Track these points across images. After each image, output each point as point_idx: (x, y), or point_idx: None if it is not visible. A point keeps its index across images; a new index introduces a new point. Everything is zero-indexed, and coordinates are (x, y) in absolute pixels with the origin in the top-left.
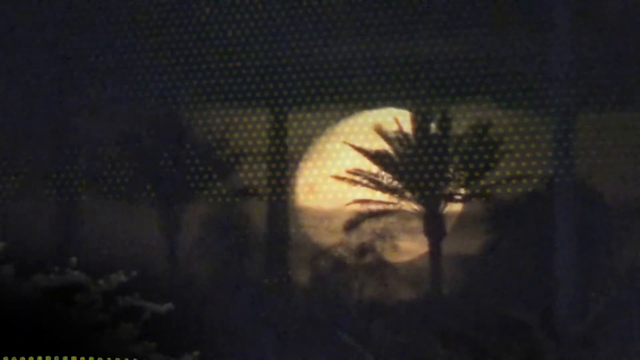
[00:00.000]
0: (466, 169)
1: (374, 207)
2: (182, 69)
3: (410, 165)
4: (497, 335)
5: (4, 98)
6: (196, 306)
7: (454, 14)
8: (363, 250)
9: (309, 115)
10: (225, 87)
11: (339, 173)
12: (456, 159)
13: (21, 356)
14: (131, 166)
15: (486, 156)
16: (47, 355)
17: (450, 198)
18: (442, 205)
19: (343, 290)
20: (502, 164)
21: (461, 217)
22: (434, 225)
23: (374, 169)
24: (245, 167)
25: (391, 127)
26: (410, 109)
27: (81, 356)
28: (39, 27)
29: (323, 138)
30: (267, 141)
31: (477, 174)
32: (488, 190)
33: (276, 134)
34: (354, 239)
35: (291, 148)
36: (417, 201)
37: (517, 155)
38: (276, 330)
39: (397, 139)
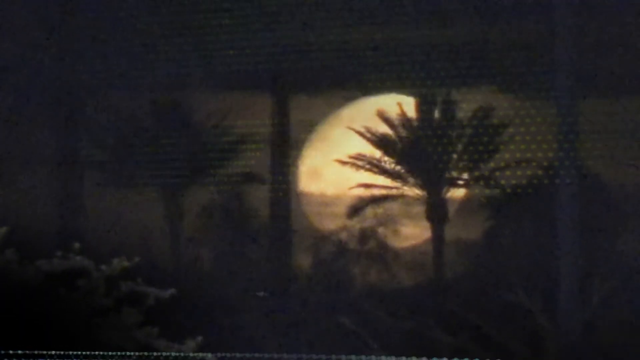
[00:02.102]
0: (469, 154)
1: (376, 192)
2: (185, 54)
3: (413, 151)
4: (499, 321)
5: (8, 83)
6: (199, 292)
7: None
8: (366, 235)
9: (311, 100)
10: (227, 72)
11: (342, 158)
12: (459, 144)
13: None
14: (133, 152)
15: (489, 141)
16: (51, 344)
17: (453, 183)
18: (444, 190)
19: (346, 275)
20: (504, 150)
21: (464, 202)
22: (436, 210)
23: (377, 154)
24: (248, 152)
25: (394, 113)
26: (413, 95)
27: (84, 341)
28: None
29: (326, 123)
30: (270, 127)
31: (479, 159)
32: (491, 176)
33: (279, 119)
34: (357, 224)
35: (294, 133)
36: (420, 186)
37: (520, 140)
38: (279, 316)
39: (400, 124)
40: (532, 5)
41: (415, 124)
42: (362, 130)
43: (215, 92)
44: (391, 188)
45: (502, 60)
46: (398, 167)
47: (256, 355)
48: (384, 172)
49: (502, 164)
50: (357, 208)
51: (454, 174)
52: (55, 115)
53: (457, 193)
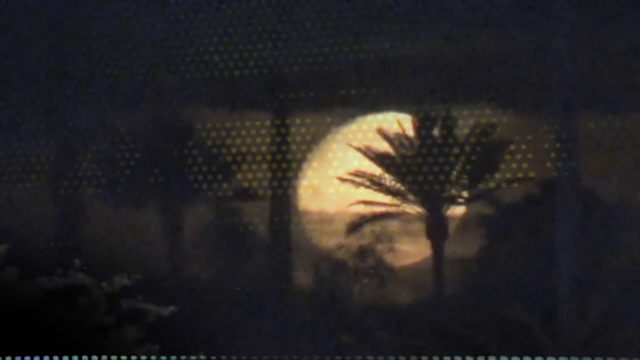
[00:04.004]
0: (468, 171)
1: (376, 209)
2: (186, 70)
3: (412, 168)
4: (499, 337)
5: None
6: (199, 309)
7: (455, 15)
8: (365, 252)
9: (311, 117)
10: (227, 89)
11: (341, 175)
12: (458, 161)
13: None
14: (134, 168)
15: (487, 158)
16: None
17: (453, 200)
18: (444, 207)
19: (345, 293)
20: (504, 166)
21: (463, 219)
22: (436, 227)
23: (377, 171)
24: (248, 170)
25: (394, 130)
26: (412, 112)
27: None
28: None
29: (325, 140)
30: (269, 144)
31: (479, 176)
32: (490, 193)
33: (278, 136)
34: (356, 242)
35: (293, 151)
36: (420, 203)
37: (518, 157)
38: (278, 333)
39: (400, 142)
40: (530, 19)
41: (414, 141)
42: (362, 147)
43: (215, 109)
44: (391, 205)
45: (500, 75)
46: (398, 185)
47: None
48: (383, 189)
49: (501, 181)
50: (356, 225)
51: (454, 191)
52: (55, 131)
53: (457, 210)
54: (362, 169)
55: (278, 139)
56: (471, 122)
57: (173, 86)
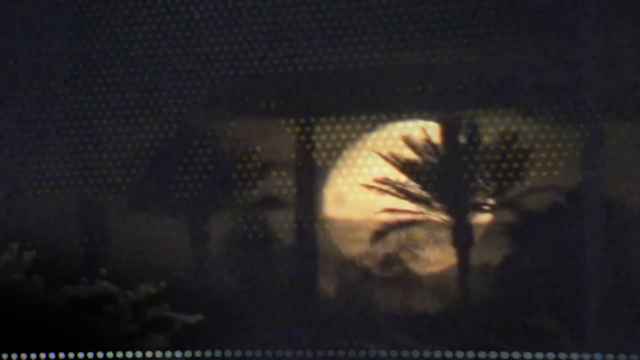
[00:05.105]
0: (494, 179)
1: (402, 216)
2: (208, 76)
3: (438, 175)
4: (525, 346)
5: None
6: (225, 317)
7: (481, 23)
8: (390, 260)
9: (336, 125)
10: (252, 97)
11: (367, 183)
12: (484, 169)
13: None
14: (159, 176)
15: (514, 166)
16: None
17: (479, 208)
18: (470, 215)
19: (371, 301)
20: (530, 174)
21: (489, 227)
22: (462, 235)
23: (402, 179)
24: (273, 178)
25: (419, 137)
26: (438, 120)
27: None
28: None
29: (351, 148)
30: (295, 152)
31: (504, 184)
32: (517, 200)
33: (304, 144)
34: (382, 249)
35: (318, 158)
36: (445, 211)
37: (547, 165)
38: (304, 342)
39: (425, 149)
40: (556, 26)
41: (440, 148)
42: (387, 155)
43: (239, 117)
44: (416, 213)
45: (527, 82)
46: (423, 192)
47: None
48: (409, 196)
49: (529, 189)
50: (382, 233)
51: (480, 198)
52: (80, 137)
53: (483, 218)
54: (388, 176)
55: (304, 146)
56: (497, 129)
57: (199, 92)
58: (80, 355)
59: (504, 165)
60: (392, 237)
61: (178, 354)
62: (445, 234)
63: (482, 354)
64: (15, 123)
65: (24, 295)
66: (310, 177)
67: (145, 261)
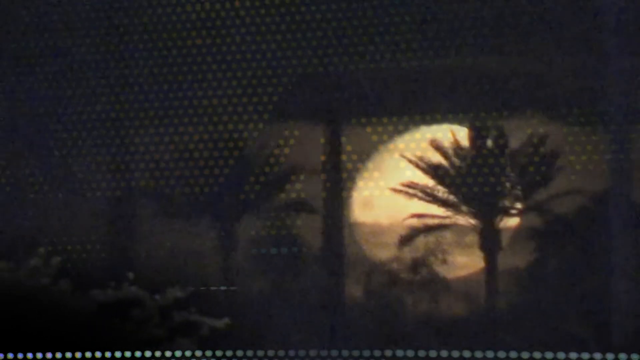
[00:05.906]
0: (522, 183)
1: (429, 221)
2: (235, 77)
3: (466, 179)
4: (553, 352)
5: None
6: (252, 321)
7: (508, 28)
8: (418, 264)
9: (364, 129)
10: (280, 101)
11: (395, 187)
12: (512, 172)
13: None
14: (186, 181)
15: (541, 170)
16: None
17: (507, 212)
18: (498, 219)
19: (398, 305)
20: (558, 178)
21: (517, 231)
22: (489, 239)
23: (430, 183)
24: (301, 182)
25: (447, 141)
26: (466, 123)
27: None
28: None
29: (378, 152)
30: (322, 156)
31: (532, 188)
32: (545, 205)
33: (331, 148)
34: (410, 254)
35: (346, 162)
36: (473, 215)
37: (575, 168)
38: (332, 346)
39: (453, 153)
40: (584, 31)
41: (468, 152)
42: (415, 159)
43: (267, 121)
44: (444, 217)
45: (553, 87)
46: (451, 196)
47: None
48: (436, 201)
49: (556, 193)
50: (409, 237)
51: (507, 203)
52: (109, 144)
53: (511, 222)
54: (415, 180)
55: (333, 150)
56: (525, 133)
57: (227, 95)
58: (108, 354)
59: (531, 169)
60: (420, 242)
61: (198, 353)
62: (473, 239)
63: (513, 354)
64: (44, 126)
65: (53, 299)
66: (339, 180)
67: (173, 265)
